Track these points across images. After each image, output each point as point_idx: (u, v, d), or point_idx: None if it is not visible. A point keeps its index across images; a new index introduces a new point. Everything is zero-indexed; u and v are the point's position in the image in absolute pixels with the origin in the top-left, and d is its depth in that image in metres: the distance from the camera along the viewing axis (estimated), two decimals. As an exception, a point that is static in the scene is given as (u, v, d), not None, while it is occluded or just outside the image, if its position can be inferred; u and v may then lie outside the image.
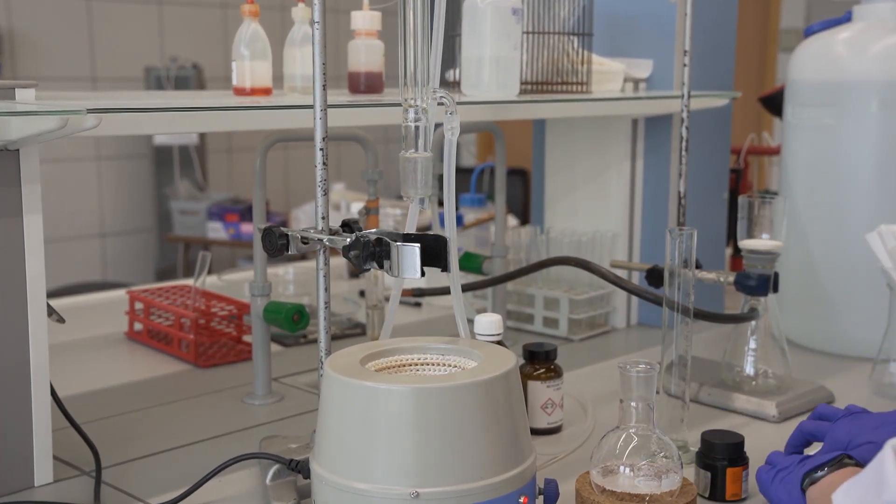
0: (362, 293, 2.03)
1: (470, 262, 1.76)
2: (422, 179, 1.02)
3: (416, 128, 1.01)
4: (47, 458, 1.18)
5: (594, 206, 1.94)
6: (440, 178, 1.14)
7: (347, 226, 1.05)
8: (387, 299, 1.50)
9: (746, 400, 1.44)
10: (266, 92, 1.40)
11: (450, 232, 1.05)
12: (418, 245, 0.98)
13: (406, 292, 1.64)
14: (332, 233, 1.03)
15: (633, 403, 1.04)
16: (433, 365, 1.02)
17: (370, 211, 1.54)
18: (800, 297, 1.77)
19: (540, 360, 1.34)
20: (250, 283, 1.46)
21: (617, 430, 1.05)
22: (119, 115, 1.10)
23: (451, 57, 1.65)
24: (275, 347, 1.70)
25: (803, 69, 1.76)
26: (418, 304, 2.06)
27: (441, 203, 1.17)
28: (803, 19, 5.13)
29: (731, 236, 2.18)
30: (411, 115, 1.01)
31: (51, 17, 4.31)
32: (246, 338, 1.73)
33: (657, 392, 1.08)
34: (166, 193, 4.62)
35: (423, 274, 0.98)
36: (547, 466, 1.22)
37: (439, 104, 1.04)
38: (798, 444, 1.12)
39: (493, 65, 1.54)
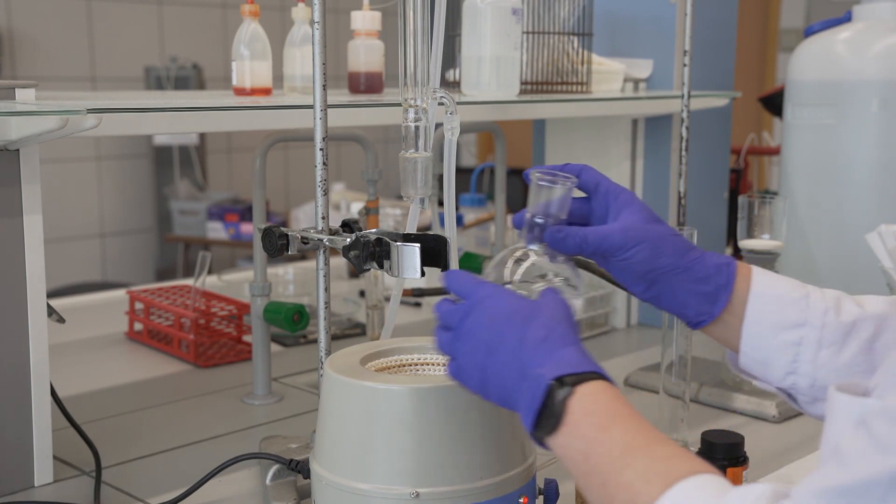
0: (362, 293, 2.03)
1: (470, 262, 1.76)
2: (422, 179, 1.02)
3: (416, 128, 1.01)
4: (47, 458, 1.18)
5: (594, 206, 1.94)
6: (440, 178, 1.14)
7: (347, 226, 1.05)
8: (387, 299, 1.50)
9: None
10: (266, 92, 1.40)
11: (450, 232, 1.05)
12: (418, 245, 0.98)
13: (406, 292, 1.64)
14: (332, 233, 1.03)
15: (539, 219, 0.89)
16: (433, 365, 1.02)
17: (370, 211, 1.54)
18: (800, 297, 1.77)
19: (540, 360, 1.34)
20: (250, 283, 1.46)
21: (515, 249, 0.90)
22: (119, 115, 1.10)
23: (451, 57, 1.65)
24: (275, 347, 1.70)
25: (803, 69, 1.76)
26: (418, 304, 2.06)
27: (441, 203, 1.17)
28: (803, 19, 5.13)
29: (731, 236, 2.17)
30: (411, 115, 1.01)
31: (51, 17, 4.31)
32: (246, 338, 1.73)
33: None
34: (166, 193, 4.61)
35: (423, 274, 0.98)
36: (547, 466, 1.22)
37: (439, 104, 1.04)
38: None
39: (493, 65, 1.54)
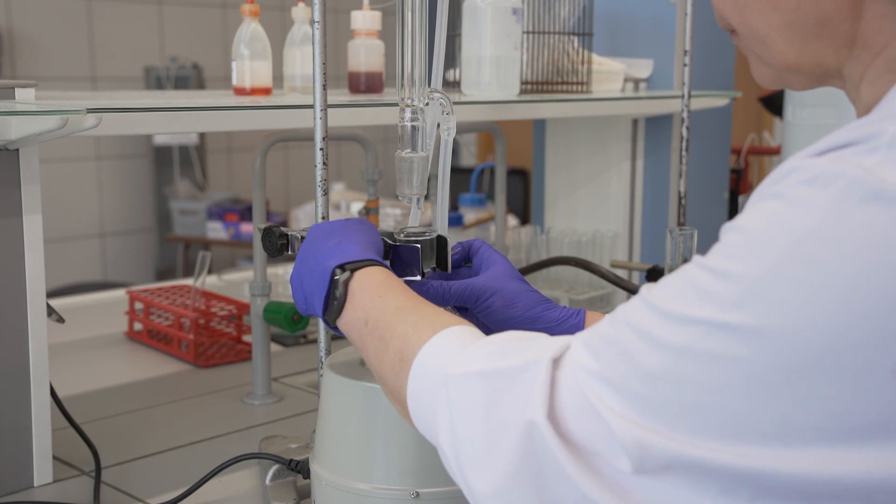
0: (362, 293, 2.03)
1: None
2: (417, 179, 1.02)
3: (413, 127, 1.01)
4: (47, 458, 1.18)
5: (594, 206, 1.94)
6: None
7: (347, 226, 1.05)
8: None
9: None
10: (266, 92, 1.41)
11: (442, 233, 1.04)
12: (418, 245, 0.98)
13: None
14: (332, 233, 1.03)
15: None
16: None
17: (370, 211, 1.54)
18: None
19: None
20: (250, 282, 1.46)
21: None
22: (119, 115, 1.10)
23: (451, 57, 1.65)
24: (275, 347, 1.70)
25: (803, 69, 1.76)
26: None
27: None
28: (804, 19, 5.12)
29: (732, 236, 2.17)
30: (408, 114, 1.01)
31: (51, 17, 4.31)
32: (246, 338, 1.73)
33: None
34: (166, 193, 4.61)
35: (423, 275, 0.98)
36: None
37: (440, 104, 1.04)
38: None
39: (493, 64, 1.54)
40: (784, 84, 0.76)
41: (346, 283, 0.84)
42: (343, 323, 0.85)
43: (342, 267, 0.85)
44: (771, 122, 4.40)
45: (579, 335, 0.68)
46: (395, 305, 0.81)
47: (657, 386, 0.61)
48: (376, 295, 0.82)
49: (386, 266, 0.87)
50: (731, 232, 0.62)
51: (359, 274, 0.84)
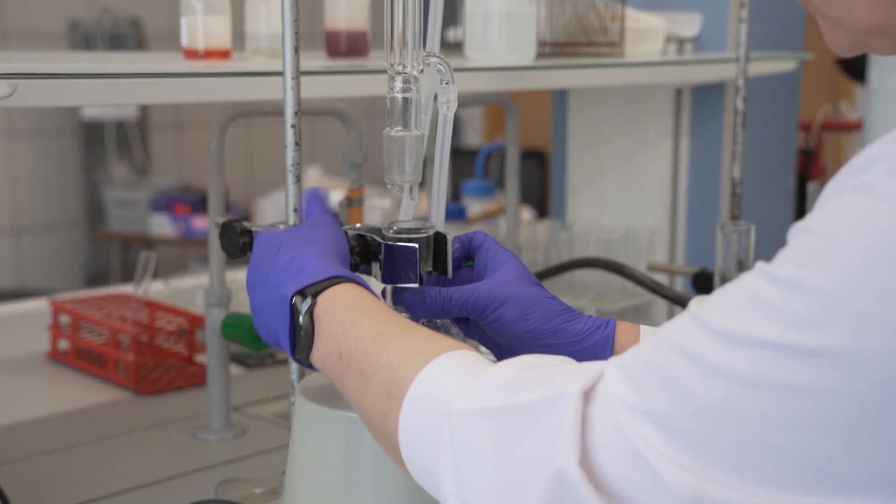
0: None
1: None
2: (410, 163, 1.02)
3: (405, 100, 1.02)
4: (-50, 508, 1.18)
5: (627, 196, 1.95)
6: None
7: (324, 220, 1.06)
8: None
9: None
10: (223, 55, 1.41)
11: (439, 228, 1.06)
12: (416, 245, 0.99)
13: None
14: (306, 228, 1.04)
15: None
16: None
17: (353, 202, 1.55)
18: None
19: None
20: (205, 290, 1.47)
21: None
22: (39, 82, 1.10)
23: (451, 12, 1.65)
24: (235, 370, 1.71)
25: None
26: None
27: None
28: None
29: (800, 233, 2.18)
30: (398, 83, 1.02)
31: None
32: (199, 358, 1.74)
33: None
34: (98, 179, 4.62)
35: (421, 281, 0.99)
36: None
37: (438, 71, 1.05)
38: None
39: (504, 21, 1.54)
40: (864, 49, 0.76)
41: (311, 311, 0.85)
42: (316, 360, 0.86)
43: (302, 293, 0.85)
44: (850, 91, 4.41)
45: (615, 360, 0.68)
46: (373, 332, 0.81)
47: (714, 423, 0.61)
48: (348, 321, 0.83)
49: (355, 279, 0.87)
50: (802, 234, 0.62)
51: (323, 298, 0.85)
